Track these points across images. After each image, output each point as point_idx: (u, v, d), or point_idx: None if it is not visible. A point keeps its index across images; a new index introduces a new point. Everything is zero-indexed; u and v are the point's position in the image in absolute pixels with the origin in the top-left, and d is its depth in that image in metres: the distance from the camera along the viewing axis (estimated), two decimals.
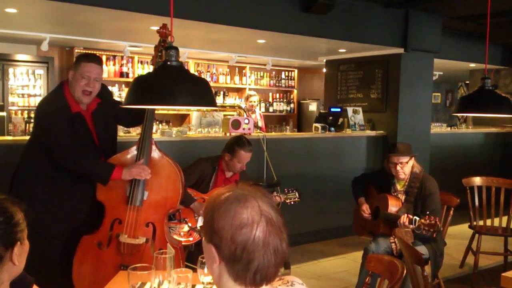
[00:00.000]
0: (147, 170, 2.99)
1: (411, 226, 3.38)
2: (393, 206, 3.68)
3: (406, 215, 3.46)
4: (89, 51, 7.09)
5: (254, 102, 6.47)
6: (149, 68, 7.47)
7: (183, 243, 3.24)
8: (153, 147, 3.10)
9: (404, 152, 3.68)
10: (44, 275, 3.02)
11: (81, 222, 3.11)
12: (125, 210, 3.02)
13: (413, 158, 3.72)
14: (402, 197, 3.74)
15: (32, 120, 6.54)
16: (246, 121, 4.71)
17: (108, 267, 2.95)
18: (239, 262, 1.21)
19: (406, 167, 3.68)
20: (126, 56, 6.79)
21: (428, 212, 3.39)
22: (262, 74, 8.91)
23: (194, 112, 6.82)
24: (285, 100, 9.32)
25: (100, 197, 3.05)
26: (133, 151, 3.09)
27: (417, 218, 3.35)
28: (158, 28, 3.04)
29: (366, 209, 3.88)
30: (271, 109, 9.12)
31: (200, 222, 3.44)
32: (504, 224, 4.70)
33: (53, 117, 2.94)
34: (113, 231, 3.03)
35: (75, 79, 2.98)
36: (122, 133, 4.59)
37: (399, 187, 3.78)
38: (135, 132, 4.65)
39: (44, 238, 2.97)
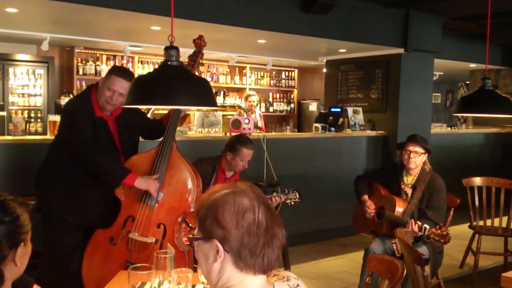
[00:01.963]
0: (156, 186, 3.02)
1: (419, 233, 3.37)
2: (400, 208, 3.67)
3: (414, 221, 3.44)
4: (89, 51, 7.11)
5: (254, 102, 6.47)
6: (149, 68, 7.48)
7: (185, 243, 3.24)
8: (175, 150, 3.13)
9: (421, 142, 3.70)
10: (56, 265, 3.11)
11: (96, 219, 3.19)
12: (139, 208, 3.07)
13: (426, 155, 3.73)
14: (409, 191, 3.74)
15: (32, 120, 6.61)
16: (246, 121, 4.71)
17: (116, 263, 2.99)
18: (246, 247, 1.24)
19: (418, 157, 3.68)
20: (126, 56, 6.79)
21: (441, 224, 3.37)
22: (262, 74, 8.91)
23: (195, 112, 6.83)
24: (285, 100, 9.32)
25: (118, 193, 3.11)
26: (153, 154, 3.12)
27: (427, 227, 3.31)
28: (195, 38, 3.05)
29: (370, 205, 3.83)
30: (271, 109, 9.13)
31: None
32: (504, 224, 4.70)
33: (76, 116, 3.05)
34: (125, 227, 3.08)
35: (102, 88, 3.06)
36: None
37: (407, 180, 3.77)
38: None
39: (61, 230, 3.11)
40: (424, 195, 3.67)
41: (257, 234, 1.25)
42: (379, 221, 3.81)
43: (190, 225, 3.33)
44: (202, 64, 3.17)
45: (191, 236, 1.17)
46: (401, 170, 3.80)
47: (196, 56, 3.08)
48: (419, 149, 3.68)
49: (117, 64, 7.27)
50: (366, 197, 3.91)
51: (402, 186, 3.77)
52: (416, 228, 3.37)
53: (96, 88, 3.14)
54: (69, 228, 3.14)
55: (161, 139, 3.17)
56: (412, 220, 3.46)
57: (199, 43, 3.07)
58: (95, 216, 3.19)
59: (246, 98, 6.58)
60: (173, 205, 3.11)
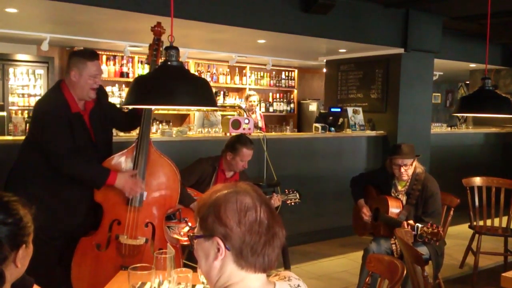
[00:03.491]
0: (140, 186, 2.97)
1: (413, 233, 3.37)
2: (393, 208, 3.67)
3: (406, 222, 3.44)
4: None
5: (254, 102, 6.47)
6: (149, 68, 7.47)
7: (183, 243, 3.24)
8: (151, 147, 3.08)
9: (409, 154, 3.64)
10: (42, 276, 3.00)
11: (80, 223, 3.08)
12: (124, 211, 3.01)
13: (415, 159, 3.72)
14: (403, 198, 3.72)
15: None
16: (246, 121, 4.71)
17: (108, 269, 2.93)
18: (248, 245, 1.25)
19: (410, 169, 3.66)
20: (126, 56, 6.79)
21: (431, 222, 3.38)
22: (262, 74, 8.91)
23: (196, 113, 6.82)
24: (285, 100, 9.32)
25: (98, 198, 3.02)
26: (130, 153, 3.06)
27: (419, 226, 3.33)
28: (153, 26, 3.00)
29: (366, 212, 3.85)
30: (271, 109, 9.12)
31: None
32: (504, 224, 4.70)
33: (51, 118, 2.91)
34: (112, 232, 3.01)
35: (83, 79, 2.94)
36: (122, 133, 4.57)
37: (400, 187, 3.76)
38: (134, 132, 4.63)
39: (41, 239, 2.92)
40: (419, 201, 3.65)
41: (258, 233, 1.26)
42: (376, 223, 3.81)
43: (190, 224, 3.33)
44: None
45: (191, 234, 1.17)
46: (392, 177, 3.78)
47: (157, 45, 3.04)
48: (408, 161, 3.65)
49: (117, 64, 7.27)
50: (362, 201, 3.93)
51: (396, 194, 3.77)
52: (409, 229, 3.37)
53: (65, 83, 2.99)
54: (50, 237, 2.93)
55: (136, 137, 3.09)
56: (405, 221, 3.46)
57: (159, 31, 3.03)
58: (80, 217, 3.06)
59: (247, 98, 6.58)
60: (159, 202, 3.08)
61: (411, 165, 3.66)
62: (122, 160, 3.07)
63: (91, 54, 3.02)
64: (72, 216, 3.04)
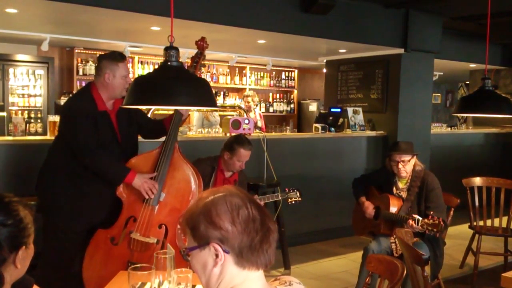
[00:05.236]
0: (156, 188, 3.02)
1: (414, 226, 3.38)
2: (394, 206, 3.68)
3: (411, 216, 3.45)
4: (89, 51, 7.11)
5: (248, 102, 6.47)
6: (149, 69, 7.47)
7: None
8: (177, 151, 3.14)
9: (406, 150, 3.67)
10: (58, 268, 3.08)
11: (103, 219, 3.15)
12: (140, 208, 3.06)
13: (415, 157, 3.73)
14: (404, 194, 3.73)
15: (32, 121, 6.61)
16: (246, 121, 4.71)
17: (117, 263, 2.98)
18: (246, 244, 1.24)
19: (408, 165, 3.67)
20: (126, 56, 6.78)
21: (432, 212, 3.39)
22: (262, 74, 8.91)
23: (195, 113, 6.82)
24: (285, 100, 9.32)
25: (119, 193, 3.10)
26: (155, 155, 3.12)
27: (420, 218, 3.35)
28: (197, 40, 3.08)
29: (369, 206, 3.84)
30: (271, 109, 9.13)
31: None
32: (504, 225, 4.70)
33: (77, 112, 3.02)
34: (127, 228, 3.07)
35: (117, 80, 3.06)
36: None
37: (401, 185, 3.76)
38: None
39: (65, 233, 3.07)
40: (420, 196, 3.66)
41: (254, 229, 1.25)
42: (376, 221, 3.82)
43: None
44: (204, 65, 3.18)
45: (183, 250, 1.11)
46: (393, 176, 3.79)
47: (198, 58, 3.10)
48: (406, 157, 3.66)
49: None
50: (363, 198, 3.93)
51: (397, 191, 3.77)
52: (414, 223, 3.38)
53: (94, 85, 3.10)
54: (74, 231, 3.09)
55: (163, 139, 3.16)
56: (411, 215, 3.46)
57: (202, 45, 3.08)
58: (103, 212, 3.15)
59: (243, 98, 6.59)
60: (175, 205, 3.10)
61: (409, 161, 3.67)
62: (145, 161, 3.13)
63: (121, 56, 3.16)
64: (96, 212, 3.13)
